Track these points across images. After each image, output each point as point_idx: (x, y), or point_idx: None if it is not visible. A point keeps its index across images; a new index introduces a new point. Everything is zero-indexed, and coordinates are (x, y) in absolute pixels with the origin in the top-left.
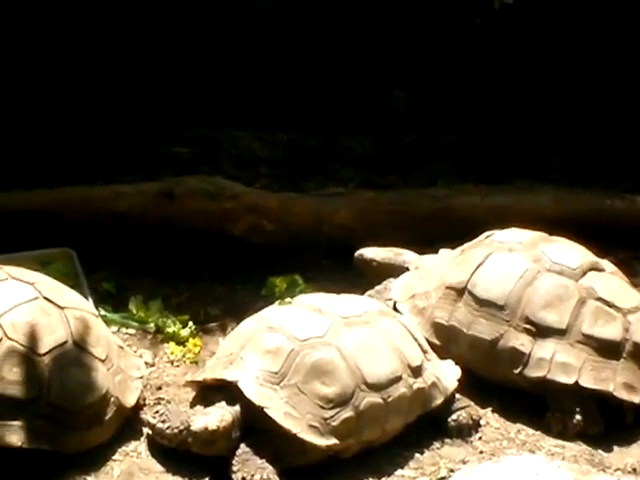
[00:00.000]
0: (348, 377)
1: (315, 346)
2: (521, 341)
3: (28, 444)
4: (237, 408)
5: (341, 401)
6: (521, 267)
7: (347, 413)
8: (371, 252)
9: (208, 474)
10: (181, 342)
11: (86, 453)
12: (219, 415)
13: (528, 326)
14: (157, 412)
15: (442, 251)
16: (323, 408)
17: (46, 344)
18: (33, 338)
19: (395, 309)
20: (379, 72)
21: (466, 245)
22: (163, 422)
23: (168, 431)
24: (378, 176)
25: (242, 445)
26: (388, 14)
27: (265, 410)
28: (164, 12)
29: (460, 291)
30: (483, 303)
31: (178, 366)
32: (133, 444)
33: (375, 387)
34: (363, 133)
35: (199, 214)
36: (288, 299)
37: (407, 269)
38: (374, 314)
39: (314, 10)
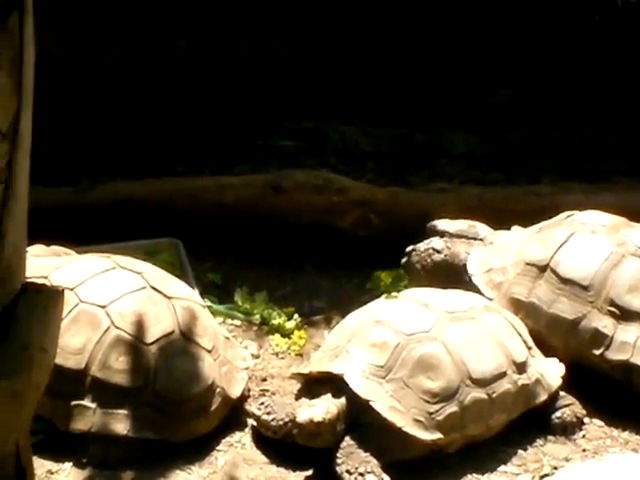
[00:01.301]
0: (453, 372)
1: (421, 341)
2: (604, 323)
3: (133, 433)
4: (342, 401)
5: (446, 396)
6: (606, 249)
7: (452, 408)
8: (444, 223)
9: (312, 466)
10: (286, 334)
11: (191, 443)
12: (324, 407)
13: (612, 309)
14: (262, 404)
15: (515, 228)
16: (428, 402)
17: (153, 333)
18: (140, 327)
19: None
20: (485, 69)
21: (544, 223)
22: (268, 414)
23: (273, 423)
24: (482, 173)
25: (347, 438)
26: (497, 10)
27: (370, 403)
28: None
29: (541, 268)
30: (566, 282)
31: (283, 358)
32: (237, 435)
33: (480, 382)
34: (468, 129)
35: (306, 207)
36: (394, 293)
37: (479, 241)
38: (479, 309)
39: (423, 7)
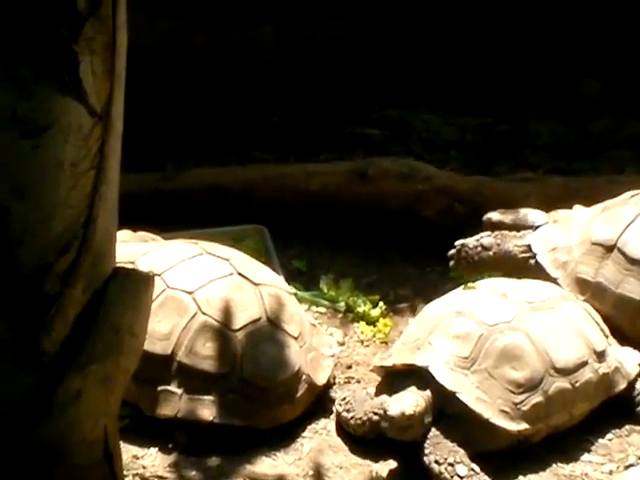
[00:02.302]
0: (537, 362)
1: (504, 331)
2: None
3: (220, 419)
4: (428, 393)
5: (531, 386)
6: None
7: (537, 398)
8: (499, 214)
9: (397, 455)
10: (371, 322)
11: (276, 429)
12: (414, 400)
13: None
14: (343, 399)
15: (577, 207)
16: (513, 393)
17: (240, 320)
18: (227, 313)
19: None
20: (570, 59)
21: (608, 202)
22: (347, 411)
23: (352, 421)
24: (567, 162)
25: (433, 429)
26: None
27: (457, 395)
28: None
29: (608, 248)
30: (634, 262)
31: (368, 346)
32: (323, 422)
33: (563, 372)
34: (553, 119)
35: (391, 195)
36: (471, 284)
37: (536, 228)
38: (557, 299)
39: None
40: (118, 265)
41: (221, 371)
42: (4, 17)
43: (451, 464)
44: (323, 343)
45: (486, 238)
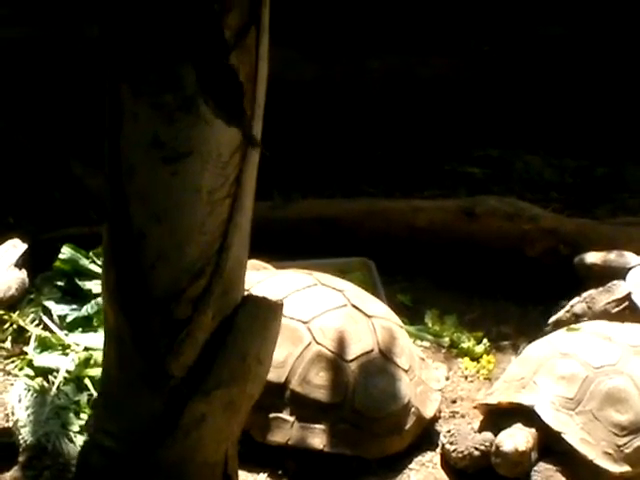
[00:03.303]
0: None
1: (609, 374)
2: None
3: (330, 448)
4: (534, 431)
5: (634, 429)
6: None
7: (639, 441)
8: (592, 256)
9: None
10: (475, 358)
11: (384, 460)
12: (525, 437)
13: None
14: (448, 432)
15: None
16: (617, 435)
17: (353, 351)
18: (341, 344)
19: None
20: None
21: None
22: (451, 444)
23: (454, 454)
24: None
25: (541, 463)
26: None
27: (562, 435)
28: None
29: None
30: None
31: (472, 381)
32: (429, 454)
33: None
34: None
35: (497, 234)
36: (574, 326)
37: (629, 270)
38: None
39: (604, 37)
40: (248, 293)
41: (333, 401)
42: (151, 45)
43: None
44: (431, 377)
45: (577, 305)
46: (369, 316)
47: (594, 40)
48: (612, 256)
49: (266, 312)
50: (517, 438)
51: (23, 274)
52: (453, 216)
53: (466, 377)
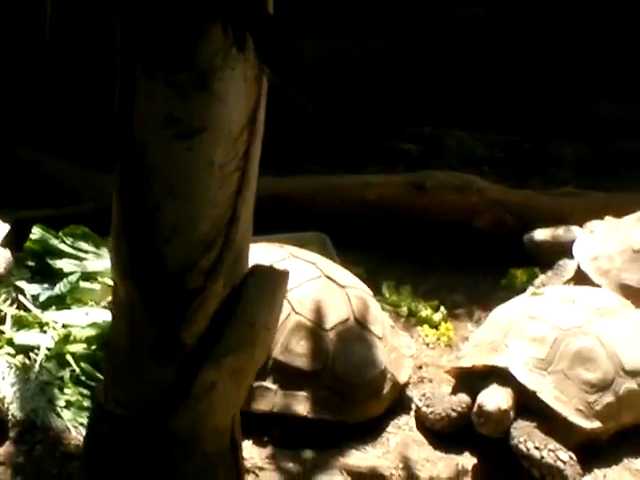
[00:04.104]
0: (608, 364)
1: (577, 335)
2: None
3: (313, 414)
4: (510, 391)
5: (603, 386)
6: None
7: (608, 398)
8: (540, 233)
9: (476, 449)
10: (434, 326)
11: (363, 425)
12: (505, 396)
13: None
14: (423, 395)
15: (608, 218)
16: (587, 393)
17: (330, 320)
18: (319, 314)
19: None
20: (584, 82)
21: None
22: (427, 406)
23: (431, 416)
24: (593, 180)
25: (519, 421)
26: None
27: (537, 394)
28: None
29: None
30: None
31: (433, 348)
32: (404, 418)
33: (632, 374)
34: (573, 139)
35: (447, 206)
36: (540, 290)
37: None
38: (619, 306)
39: (527, 18)
40: (255, 263)
41: (314, 368)
42: (164, 26)
43: (552, 450)
44: (402, 344)
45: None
46: (343, 286)
47: (515, 19)
48: (560, 232)
49: (273, 281)
50: (498, 397)
51: (9, 253)
52: (403, 190)
53: (427, 344)
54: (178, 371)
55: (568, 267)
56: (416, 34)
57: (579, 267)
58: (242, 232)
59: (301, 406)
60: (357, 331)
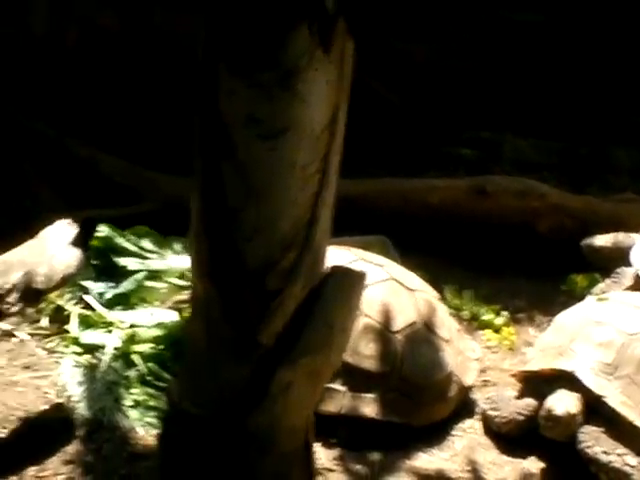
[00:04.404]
0: None
1: None
2: None
3: (381, 416)
4: (579, 395)
5: None
6: None
7: None
8: (600, 239)
9: (542, 453)
10: (496, 330)
11: (428, 427)
12: (573, 401)
13: None
14: (489, 399)
15: None
16: None
17: (398, 322)
18: (387, 316)
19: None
20: None
21: None
22: (494, 410)
23: (497, 420)
24: None
25: (586, 426)
26: None
27: (604, 399)
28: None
29: None
30: None
31: (496, 352)
32: (469, 421)
33: None
34: (629, 145)
35: (508, 211)
36: (603, 296)
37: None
38: None
39: (584, 25)
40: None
41: (382, 370)
42: (250, 26)
43: (619, 454)
44: (468, 347)
45: None
46: (410, 289)
47: (573, 26)
48: (620, 238)
49: (351, 282)
50: (567, 402)
51: (80, 252)
52: (465, 194)
53: (489, 348)
54: (254, 371)
55: (627, 274)
56: (475, 40)
57: (638, 274)
58: (321, 233)
59: (369, 408)
60: (424, 334)
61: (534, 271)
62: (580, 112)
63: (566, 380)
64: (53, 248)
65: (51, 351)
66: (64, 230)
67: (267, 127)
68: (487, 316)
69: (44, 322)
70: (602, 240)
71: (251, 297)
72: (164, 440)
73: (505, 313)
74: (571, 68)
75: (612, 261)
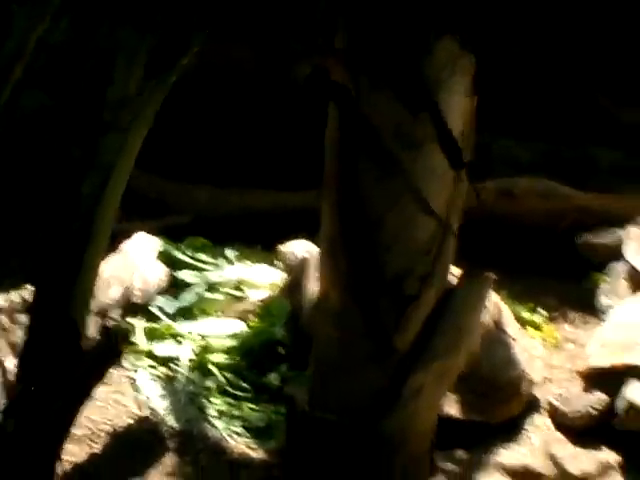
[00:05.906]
0: None
1: None
2: None
3: (464, 415)
4: None
5: None
6: None
7: None
8: (595, 236)
9: (614, 446)
10: (537, 327)
11: (502, 424)
12: None
13: None
14: (560, 395)
15: None
16: None
17: None
18: None
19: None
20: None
21: None
22: (566, 406)
23: (570, 415)
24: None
25: None
26: None
27: None
28: None
29: None
30: None
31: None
32: (537, 417)
33: None
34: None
35: (530, 212)
36: None
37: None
38: None
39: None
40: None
41: (463, 371)
42: (392, 40)
43: None
44: (530, 345)
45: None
46: None
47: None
48: (614, 234)
49: (479, 285)
50: None
51: (165, 266)
52: (492, 196)
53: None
54: (390, 376)
55: (616, 270)
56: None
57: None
58: (452, 238)
59: (452, 408)
60: (496, 333)
61: (559, 270)
62: (564, 112)
63: (636, 374)
64: (142, 263)
65: (119, 365)
66: (146, 243)
67: (409, 139)
68: (526, 314)
69: None
70: (598, 237)
71: (388, 304)
72: (292, 448)
73: (541, 311)
74: (550, 70)
75: (607, 257)
